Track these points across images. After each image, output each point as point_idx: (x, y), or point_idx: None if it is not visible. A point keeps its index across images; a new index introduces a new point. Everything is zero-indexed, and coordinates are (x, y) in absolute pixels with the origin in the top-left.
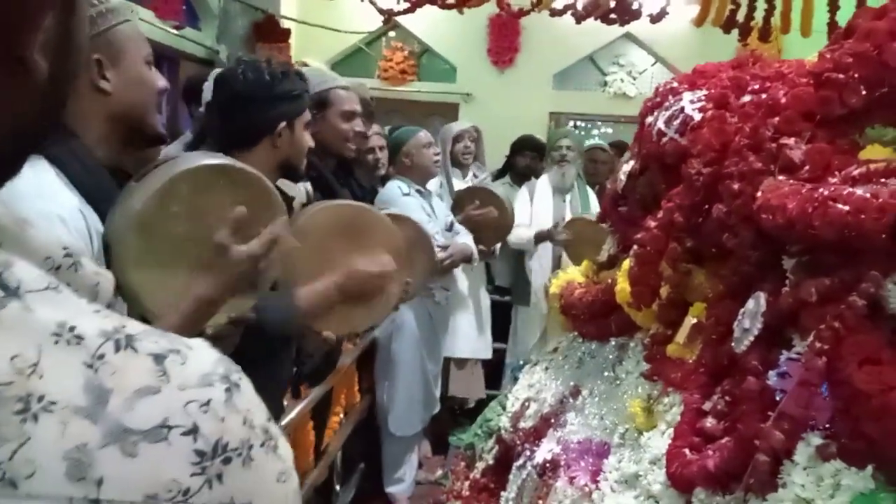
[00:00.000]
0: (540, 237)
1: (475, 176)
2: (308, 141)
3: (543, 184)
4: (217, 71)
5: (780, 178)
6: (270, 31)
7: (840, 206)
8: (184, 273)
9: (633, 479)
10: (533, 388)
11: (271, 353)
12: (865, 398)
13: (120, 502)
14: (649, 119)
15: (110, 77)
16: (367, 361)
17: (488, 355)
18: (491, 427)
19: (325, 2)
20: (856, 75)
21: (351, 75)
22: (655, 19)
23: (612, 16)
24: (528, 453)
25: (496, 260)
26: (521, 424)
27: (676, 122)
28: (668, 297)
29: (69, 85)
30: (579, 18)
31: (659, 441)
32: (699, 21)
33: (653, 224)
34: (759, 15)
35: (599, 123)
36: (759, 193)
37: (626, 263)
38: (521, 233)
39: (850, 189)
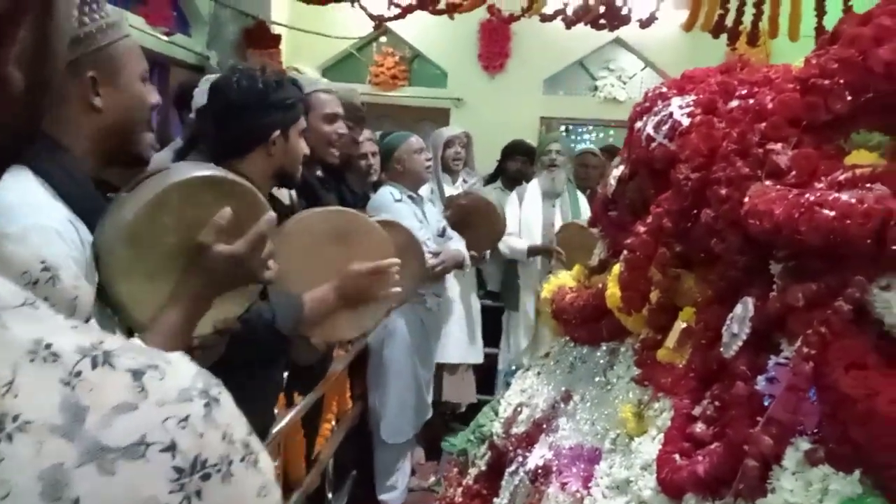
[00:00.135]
0: (534, 251)
1: (465, 181)
2: (303, 149)
3: (533, 188)
4: (209, 77)
5: (767, 183)
6: (261, 37)
7: (826, 211)
8: (172, 284)
9: (624, 485)
10: (525, 393)
11: (266, 360)
12: (851, 403)
13: None
14: (638, 124)
15: (104, 94)
16: (360, 368)
17: (479, 360)
18: (483, 433)
19: (315, 7)
20: (841, 81)
21: (342, 80)
22: (645, 24)
23: (602, 21)
24: (520, 459)
25: (488, 265)
26: (514, 430)
27: (665, 128)
28: (658, 302)
29: (47, 94)
30: (569, 24)
31: (650, 446)
32: (688, 26)
33: (642, 229)
34: (747, 20)
35: (591, 127)
36: (746, 199)
37: (616, 268)
38: (513, 243)
39: (836, 194)
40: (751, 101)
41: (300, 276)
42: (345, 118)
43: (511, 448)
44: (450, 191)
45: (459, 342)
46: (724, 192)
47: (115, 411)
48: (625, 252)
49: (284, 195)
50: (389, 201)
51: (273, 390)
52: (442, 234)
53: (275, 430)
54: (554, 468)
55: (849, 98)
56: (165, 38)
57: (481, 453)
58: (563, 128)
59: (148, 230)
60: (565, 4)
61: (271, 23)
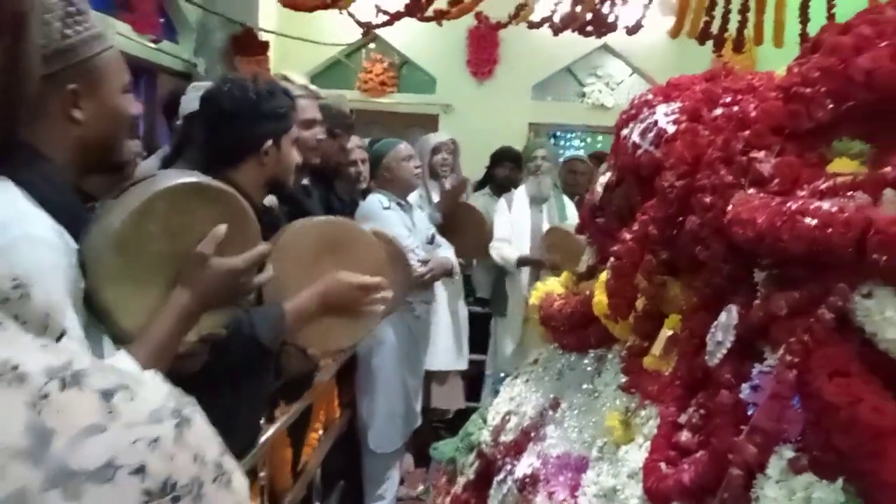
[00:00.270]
0: (523, 261)
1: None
2: (295, 158)
3: (521, 194)
4: (196, 84)
5: (751, 191)
6: (249, 43)
7: (808, 220)
8: (159, 291)
9: (611, 494)
10: (514, 400)
11: (252, 370)
12: (835, 410)
13: None
14: (625, 131)
15: (84, 107)
16: (347, 376)
17: (464, 366)
18: (472, 441)
19: (303, 14)
20: (823, 89)
21: (330, 87)
22: (631, 31)
23: (589, 28)
24: (508, 468)
25: (477, 272)
26: (502, 438)
27: (651, 135)
28: (644, 310)
29: (19, 111)
30: (556, 31)
31: (636, 454)
32: (674, 33)
33: (628, 236)
34: (732, 27)
35: (580, 134)
36: (729, 207)
37: (603, 275)
38: (504, 251)
39: (818, 203)
40: (735, 108)
41: (294, 286)
42: (333, 125)
43: (499, 456)
44: (438, 198)
45: (447, 349)
46: (708, 199)
47: (83, 434)
48: (611, 259)
49: (266, 200)
50: (378, 209)
51: (261, 401)
52: (431, 241)
53: (261, 440)
54: (541, 477)
55: (830, 106)
56: (153, 45)
57: (470, 462)
58: (551, 133)
59: (134, 237)
60: (552, 12)
61: (259, 30)
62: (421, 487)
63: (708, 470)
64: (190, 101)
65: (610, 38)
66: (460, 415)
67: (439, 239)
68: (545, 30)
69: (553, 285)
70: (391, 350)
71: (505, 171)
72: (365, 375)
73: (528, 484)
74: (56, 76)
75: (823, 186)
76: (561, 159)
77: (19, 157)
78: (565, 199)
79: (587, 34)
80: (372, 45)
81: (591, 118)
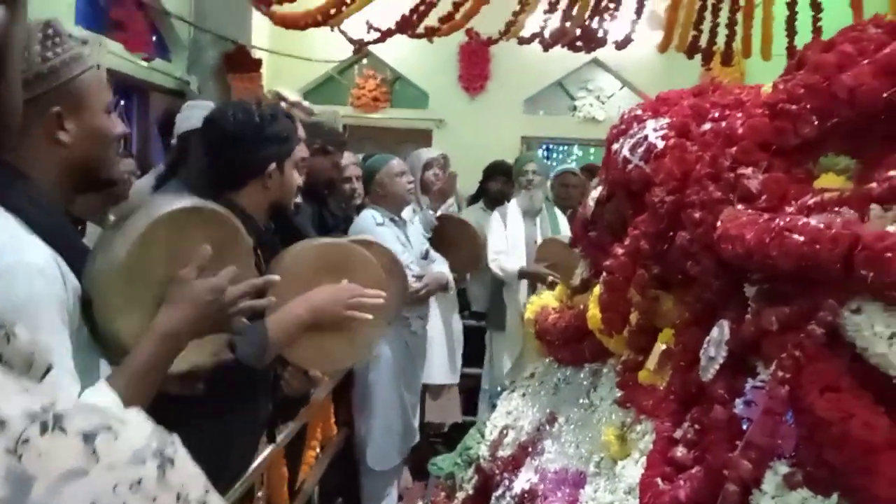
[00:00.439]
0: (524, 274)
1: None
2: (297, 180)
3: (513, 208)
4: (191, 103)
5: (739, 207)
6: (241, 61)
7: (796, 236)
8: None
9: None
10: (511, 415)
11: (248, 395)
12: (826, 426)
13: None
14: (615, 146)
15: (69, 128)
16: (344, 393)
17: (456, 380)
18: (470, 455)
19: (295, 31)
20: (808, 106)
21: (323, 103)
22: (621, 46)
23: (579, 43)
24: (506, 483)
25: (473, 285)
26: (500, 453)
27: (641, 150)
28: (638, 324)
29: (3, 139)
30: (547, 46)
31: (633, 470)
32: (663, 47)
33: (620, 251)
34: (720, 40)
35: (575, 147)
36: (718, 223)
37: (597, 289)
38: (504, 264)
39: (805, 219)
40: (722, 124)
41: None
42: (326, 142)
43: (497, 471)
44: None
45: (441, 363)
46: (697, 215)
47: (64, 479)
48: (604, 274)
49: None
50: (371, 225)
51: (256, 423)
52: (425, 256)
53: (256, 461)
54: (539, 493)
55: (816, 123)
56: (145, 63)
57: (468, 477)
58: (543, 147)
59: (139, 266)
60: (542, 28)
61: (251, 47)
62: (420, 503)
63: (704, 486)
64: (185, 120)
65: (600, 53)
66: (456, 429)
67: (433, 254)
68: (536, 45)
69: (548, 299)
70: (388, 366)
71: (498, 184)
72: (362, 392)
73: (527, 500)
74: (39, 100)
75: (811, 202)
76: (553, 172)
77: (5, 182)
78: (557, 212)
79: (577, 49)
80: (364, 62)
81: (583, 131)
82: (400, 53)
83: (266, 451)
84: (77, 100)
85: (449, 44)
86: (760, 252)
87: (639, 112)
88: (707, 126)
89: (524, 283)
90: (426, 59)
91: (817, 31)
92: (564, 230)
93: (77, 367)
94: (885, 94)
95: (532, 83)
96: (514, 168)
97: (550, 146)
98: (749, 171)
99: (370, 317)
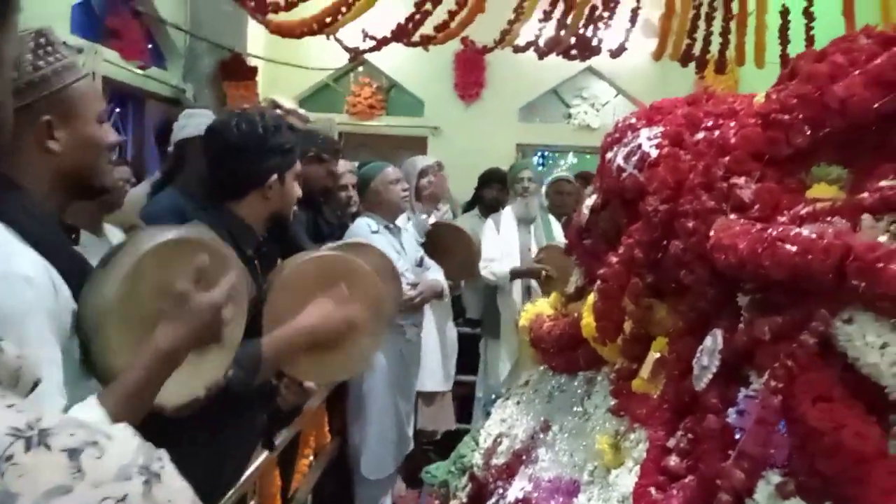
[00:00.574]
0: (516, 273)
1: (437, 210)
2: (298, 192)
3: (508, 215)
4: (189, 112)
5: (732, 216)
6: (237, 69)
7: (788, 246)
8: None
9: None
10: (505, 423)
11: (241, 410)
12: (819, 436)
13: None
14: (609, 154)
15: (59, 137)
16: (338, 401)
17: (448, 387)
18: (464, 464)
19: (291, 39)
20: (800, 116)
21: (319, 111)
22: (615, 54)
23: (573, 52)
24: (500, 491)
25: (468, 293)
26: (494, 461)
27: (635, 158)
28: (632, 332)
29: None
30: (541, 54)
31: (627, 479)
32: (657, 55)
33: (614, 259)
34: (714, 48)
35: (570, 154)
36: (711, 232)
37: (591, 297)
38: (495, 268)
39: (798, 229)
40: (715, 133)
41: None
42: (321, 150)
43: (491, 480)
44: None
45: (435, 370)
46: (691, 224)
47: (47, 497)
48: (598, 282)
49: None
50: (366, 232)
51: (251, 435)
52: (420, 263)
53: (249, 469)
54: (533, 501)
55: (808, 132)
56: (140, 71)
57: (462, 485)
58: (538, 154)
59: (130, 303)
60: (537, 36)
61: (247, 55)
62: None
63: (697, 495)
64: (182, 128)
65: (594, 61)
66: (449, 436)
67: (428, 261)
68: (531, 53)
69: (543, 306)
70: (382, 374)
71: (493, 192)
72: (356, 401)
73: None
74: (29, 108)
75: (803, 212)
76: (548, 179)
77: None
78: (552, 219)
79: (571, 58)
80: (360, 70)
81: (578, 139)
82: (395, 61)
83: (259, 460)
84: (68, 108)
85: (444, 52)
86: (753, 262)
87: (633, 121)
88: (700, 135)
89: (518, 290)
90: (421, 67)
91: (810, 39)
92: (559, 237)
93: (68, 378)
94: (875, 105)
95: (527, 91)
96: (508, 175)
97: (546, 153)
98: (742, 180)
99: (365, 337)
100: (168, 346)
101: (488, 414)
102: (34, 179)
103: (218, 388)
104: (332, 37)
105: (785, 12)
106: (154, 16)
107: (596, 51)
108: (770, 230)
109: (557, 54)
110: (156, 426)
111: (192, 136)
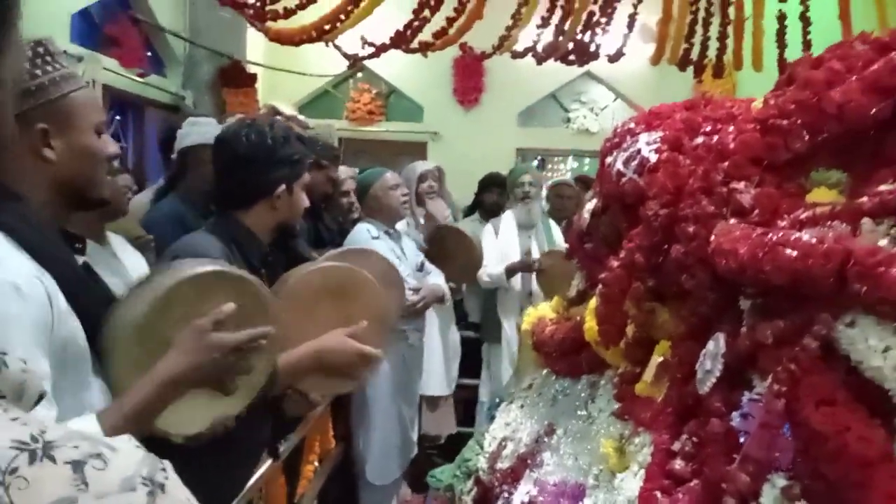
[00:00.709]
0: (512, 270)
1: None
2: (304, 202)
3: (508, 220)
4: (193, 119)
5: (732, 221)
6: (236, 76)
7: (788, 251)
8: None
9: None
10: (509, 426)
11: (248, 421)
12: (823, 439)
13: None
14: (609, 159)
15: (55, 146)
16: (342, 407)
17: (450, 390)
18: (469, 467)
19: (290, 46)
20: (798, 121)
21: (319, 117)
22: (613, 59)
23: (572, 57)
24: (505, 495)
25: (468, 296)
26: (499, 465)
27: (634, 163)
28: (634, 336)
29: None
30: (540, 60)
31: (632, 483)
32: (655, 60)
33: (615, 263)
34: (712, 53)
35: (569, 158)
36: (712, 237)
37: (593, 301)
38: (490, 270)
39: (798, 234)
40: (714, 138)
41: (297, 333)
42: (320, 157)
43: (496, 483)
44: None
45: (438, 374)
46: (691, 229)
47: None
48: (600, 286)
49: None
50: (366, 238)
51: (257, 447)
52: (420, 268)
53: (255, 476)
54: None
55: (807, 138)
56: (140, 79)
57: (468, 489)
58: (538, 158)
59: (154, 325)
60: (535, 42)
61: (247, 62)
62: None
63: (702, 499)
64: (185, 136)
65: (593, 66)
66: (453, 440)
67: (429, 266)
68: (529, 58)
69: (545, 310)
70: (385, 380)
71: (493, 196)
72: (360, 406)
73: None
74: (25, 115)
75: (803, 216)
76: (547, 183)
77: None
78: (552, 223)
79: (570, 63)
80: (359, 76)
81: (577, 143)
82: (394, 67)
83: (264, 466)
84: (64, 118)
85: (443, 58)
86: (754, 267)
87: (632, 125)
88: (699, 140)
89: (518, 294)
90: (421, 73)
91: (807, 43)
92: (559, 241)
93: (68, 389)
94: (873, 110)
95: (526, 96)
96: (508, 180)
97: (545, 158)
98: (741, 185)
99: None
100: (168, 376)
101: (492, 418)
102: (30, 188)
103: (225, 429)
104: (331, 44)
105: (782, 17)
106: (153, 23)
107: (594, 56)
108: (770, 235)
109: (556, 60)
110: (161, 443)
111: (195, 145)
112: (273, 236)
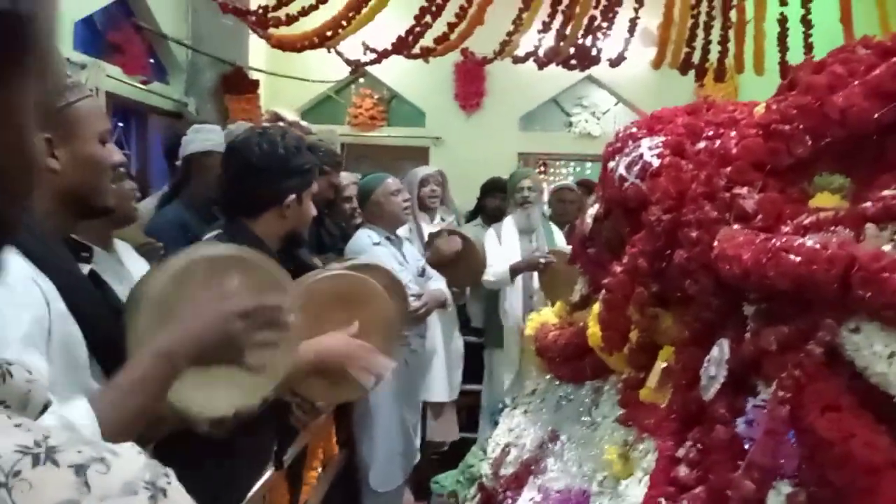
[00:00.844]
0: (516, 269)
1: (442, 219)
2: (312, 212)
3: (509, 225)
4: (197, 127)
5: (736, 227)
6: (239, 82)
7: (792, 256)
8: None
9: None
10: (513, 432)
11: (255, 428)
12: (828, 446)
13: None
14: (611, 164)
15: (59, 156)
16: (345, 413)
17: (454, 396)
18: (473, 473)
19: (292, 52)
20: (801, 126)
21: (321, 123)
22: (614, 63)
23: (573, 61)
24: (509, 501)
25: (471, 301)
26: (502, 471)
27: (636, 168)
28: (638, 342)
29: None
30: (541, 65)
31: (636, 489)
32: (656, 64)
33: (618, 269)
34: (713, 57)
35: (572, 163)
36: (715, 243)
37: (597, 307)
38: (494, 269)
39: (801, 239)
40: (716, 143)
41: (304, 339)
42: (322, 162)
43: (500, 490)
44: (427, 229)
45: (443, 380)
46: (694, 234)
47: None
48: (603, 292)
49: None
50: (367, 245)
51: (262, 456)
52: (422, 273)
53: (258, 484)
54: None
55: (809, 143)
56: (143, 86)
57: (471, 495)
58: (540, 163)
59: (168, 300)
60: (536, 47)
61: (249, 68)
62: None
63: None
64: (190, 143)
65: (594, 70)
66: (455, 446)
67: (430, 271)
68: (531, 63)
69: (548, 315)
70: (388, 386)
71: (496, 201)
72: (363, 413)
73: None
74: None
75: (807, 222)
76: (550, 187)
77: None
78: (554, 227)
79: (571, 68)
80: (361, 81)
81: (579, 147)
82: (396, 73)
83: (268, 473)
84: (68, 127)
85: (444, 63)
86: (758, 272)
87: (634, 130)
88: (702, 145)
89: (519, 299)
90: (422, 78)
91: (808, 46)
92: (561, 245)
93: (73, 391)
94: (875, 115)
95: (527, 100)
96: (508, 185)
97: (547, 161)
98: (744, 190)
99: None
100: (166, 347)
101: (495, 423)
102: (36, 198)
103: (249, 414)
104: (332, 50)
105: (783, 20)
106: (156, 31)
107: (595, 60)
108: (774, 240)
109: (557, 64)
110: (165, 452)
111: (199, 152)
112: (281, 244)
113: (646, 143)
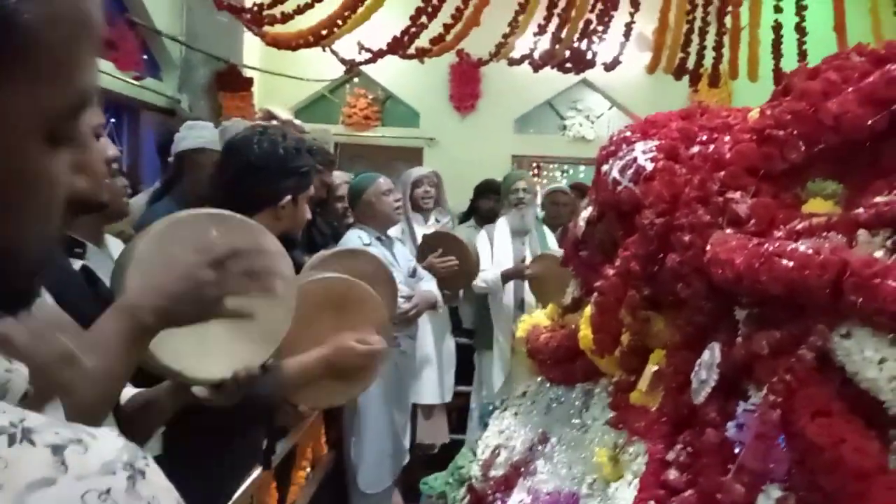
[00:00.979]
0: (507, 276)
1: (437, 221)
2: (307, 215)
3: (502, 226)
4: (191, 123)
5: (728, 231)
6: (233, 80)
7: (785, 261)
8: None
9: None
10: (503, 434)
11: (245, 423)
12: (819, 451)
13: None
14: (605, 167)
15: None
16: (334, 413)
17: (448, 398)
18: (462, 475)
19: (287, 51)
20: (794, 132)
21: (315, 122)
22: (609, 67)
23: (568, 65)
24: (498, 503)
25: (463, 303)
26: (492, 473)
27: (630, 172)
28: (629, 345)
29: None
30: (536, 67)
31: (626, 492)
32: (651, 69)
33: (611, 272)
34: (708, 62)
35: (566, 166)
36: (708, 247)
37: (588, 309)
38: (486, 275)
39: (794, 245)
40: (710, 147)
41: (296, 342)
42: (316, 162)
43: (489, 492)
44: (420, 230)
45: (434, 382)
46: (687, 238)
47: (30, 488)
48: (595, 295)
49: None
50: (358, 245)
51: (252, 454)
52: (413, 274)
53: (246, 483)
54: None
55: (803, 148)
56: (136, 82)
57: (461, 496)
58: (534, 165)
59: (156, 258)
60: (532, 49)
61: (243, 66)
62: None
63: None
64: (182, 140)
65: (589, 73)
66: (444, 448)
67: (421, 271)
68: (526, 65)
69: (539, 318)
70: (377, 387)
71: (489, 202)
72: (351, 415)
73: None
74: None
75: (799, 227)
76: (543, 190)
77: None
78: (546, 229)
79: (566, 71)
80: (356, 81)
81: (573, 150)
82: (391, 73)
83: (255, 473)
84: None
85: (440, 64)
86: (750, 277)
87: (628, 134)
88: (695, 149)
89: (511, 302)
90: (417, 79)
91: (802, 53)
92: (553, 248)
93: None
94: (869, 122)
95: (522, 103)
96: (502, 186)
97: (541, 164)
98: (737, 195)
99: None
100: (128, 301)
101: (485, 425)
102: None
103: (248, 378)
104: (327, 49)
105: (777, 27)
106: (149, 27)
107: (590, 64)
108: (766, 245)
109: (552, 67)
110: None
111: (191, 148)
112: None
113: (640, 146)
